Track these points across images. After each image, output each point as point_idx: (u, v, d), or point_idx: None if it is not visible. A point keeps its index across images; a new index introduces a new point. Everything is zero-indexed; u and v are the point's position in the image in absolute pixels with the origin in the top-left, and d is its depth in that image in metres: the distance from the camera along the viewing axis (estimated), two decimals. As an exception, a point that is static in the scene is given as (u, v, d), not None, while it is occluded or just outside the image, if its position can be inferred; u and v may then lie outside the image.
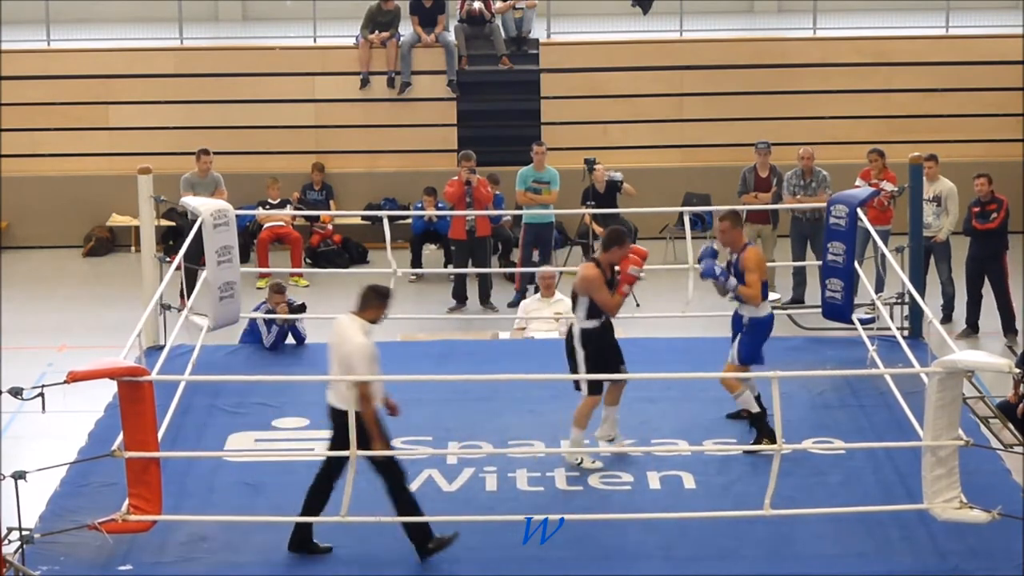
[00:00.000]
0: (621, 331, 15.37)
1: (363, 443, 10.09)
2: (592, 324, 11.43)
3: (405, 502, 10.29)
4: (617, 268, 11.47)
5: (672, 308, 15.31)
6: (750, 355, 11.81)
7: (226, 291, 13.73)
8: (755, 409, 11.70)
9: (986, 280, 16.16)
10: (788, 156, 18.27)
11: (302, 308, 14.55)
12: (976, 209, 16.12)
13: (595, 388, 11.44)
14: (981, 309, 16.24)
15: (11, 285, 18.42)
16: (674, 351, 14.11)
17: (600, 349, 11.46)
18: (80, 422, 12.37)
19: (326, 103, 20.79)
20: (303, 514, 10.30)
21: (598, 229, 18.51)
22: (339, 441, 10.20)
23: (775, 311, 15.96)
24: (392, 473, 10.31)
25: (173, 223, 19.00)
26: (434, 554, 10.18)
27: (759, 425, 11.69)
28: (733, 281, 11.71)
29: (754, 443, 11.59)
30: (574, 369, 11.47)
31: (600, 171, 18.14)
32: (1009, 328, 16.06)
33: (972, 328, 16.24)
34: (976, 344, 15.89)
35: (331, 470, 10.34)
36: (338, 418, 10.21)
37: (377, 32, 20.67)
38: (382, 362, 13.48)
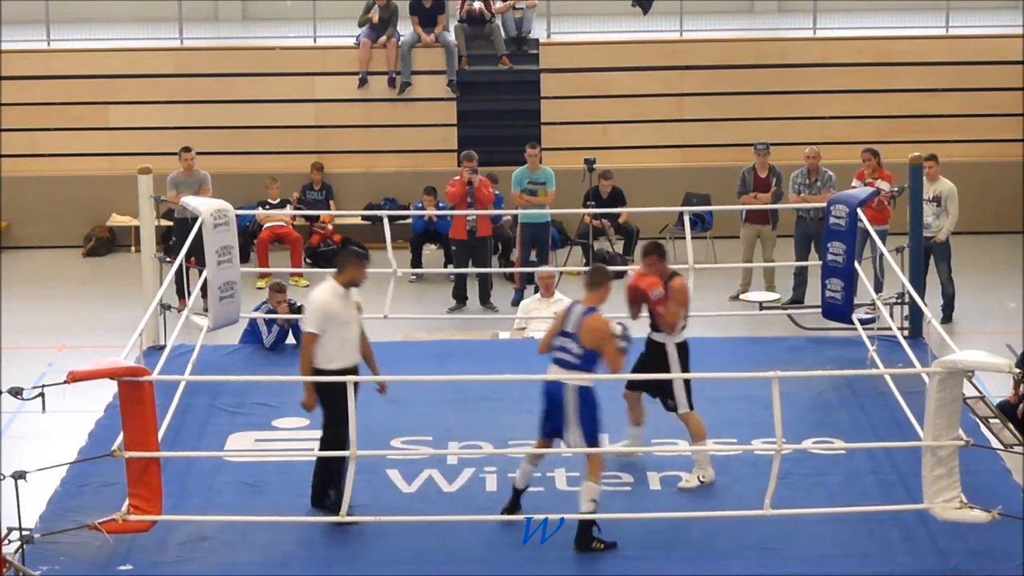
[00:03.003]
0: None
1: (328, 395, 10.53)
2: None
3: (325, 462, 10.71)
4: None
5: (672, 308, 15.29)
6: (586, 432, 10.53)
7: (226, 291, 13.73)
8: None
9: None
10: (789, 156, 18.28)
11: (302, 309, 14.55)
12: None
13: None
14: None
15: (11, 285, 18.42)
16: (674, 351, 14.10)
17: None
18: (80, 422, 12.37)
19: (326, 103, 20.80)
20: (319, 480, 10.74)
21: (597, 224, 18.57)
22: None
23: (767, 309, 16.09)
24: (333, 429, 10.63)
25: (172, 223, 19.00)
26: (325, 509, 10.62)
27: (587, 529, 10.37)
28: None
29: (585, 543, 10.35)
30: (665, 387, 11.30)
31: (605, 184, 18.29)
32: None
33: None
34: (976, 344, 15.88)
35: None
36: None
37: (376, 11, 20.56)
38: (382, 362, 13.47)
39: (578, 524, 10.22)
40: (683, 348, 11.45)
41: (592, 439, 10.38)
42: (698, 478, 11.15)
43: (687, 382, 11.28)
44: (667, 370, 11.24)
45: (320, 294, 10.74)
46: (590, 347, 10.36)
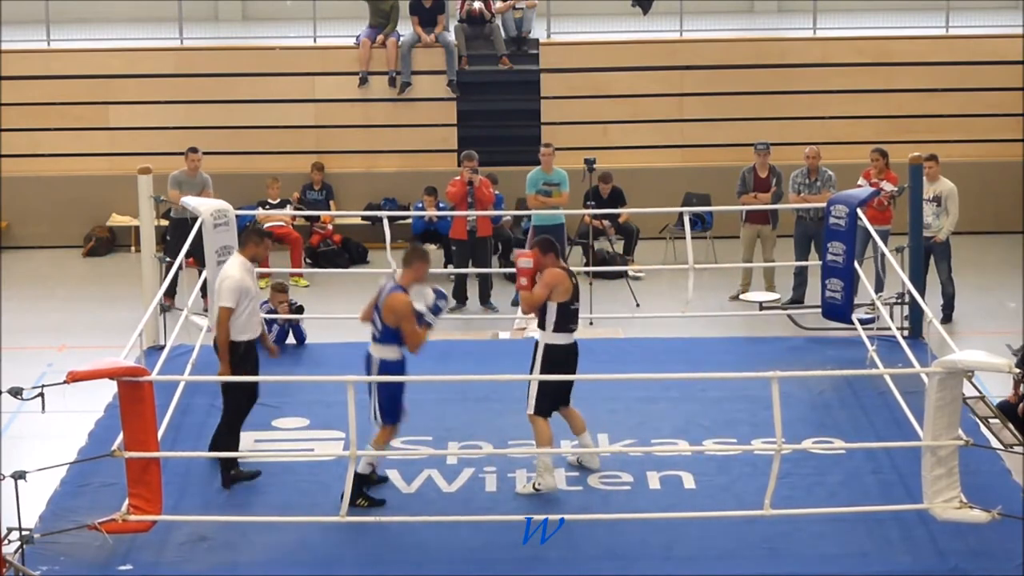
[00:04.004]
0: (621, 331, 15.48)
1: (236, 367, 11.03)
2: (563, 340, 11.26)
3: (227, 436, 11.18)
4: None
5: (672, 308, 15.32)
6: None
7: (226, 291, 13.71)
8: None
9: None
10: (789, 156, 18.27)
11: (300, 310, 14.56)
12: None
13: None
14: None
15: (11, 285, 18.41)
16: (674, 351, 14.13)
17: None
18: (80, 422, 12.39)
19: (326, 103, 20.78)
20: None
21: (597, 224, 18.55)
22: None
23: (767, 309, 16.07)
24: (230, 405, 11.11)
25: (169, 222, 18.97)
26: (235, 482, 11.12)
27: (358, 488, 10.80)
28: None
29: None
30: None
31: (604, 188, 18.23)
32: None
33: None
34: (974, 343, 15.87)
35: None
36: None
37: None
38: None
39: (353, 480, 10.54)
40: (554, 351, 11.23)
41: (391, 413, 10.81)
42: (534, 485, 11.10)
43: (545, 387, 11.12)
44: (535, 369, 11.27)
45: (233, 271, 11.13)
46: (389, 324, 10.77)
